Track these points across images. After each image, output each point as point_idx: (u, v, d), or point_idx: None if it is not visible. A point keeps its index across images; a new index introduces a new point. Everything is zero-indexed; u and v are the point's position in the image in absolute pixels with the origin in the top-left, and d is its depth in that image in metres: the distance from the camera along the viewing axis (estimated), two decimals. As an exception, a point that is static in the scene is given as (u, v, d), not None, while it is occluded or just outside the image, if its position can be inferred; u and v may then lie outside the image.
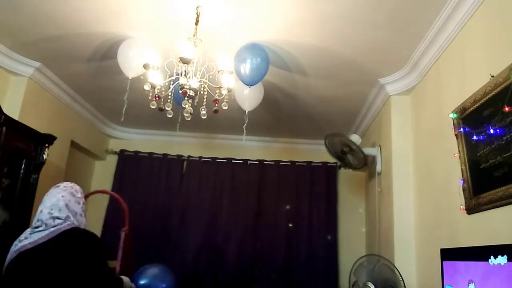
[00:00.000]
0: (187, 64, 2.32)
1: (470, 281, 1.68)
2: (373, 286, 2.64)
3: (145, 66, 2.39)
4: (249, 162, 4.85)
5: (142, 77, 2.72)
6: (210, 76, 2.53)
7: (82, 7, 2.54)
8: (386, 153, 3.42)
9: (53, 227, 1.83)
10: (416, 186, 3.03)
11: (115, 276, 2.22)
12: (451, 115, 2.29)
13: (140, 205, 4.65)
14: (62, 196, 1.96)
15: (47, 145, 3.23)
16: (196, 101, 2.47)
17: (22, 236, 1.85)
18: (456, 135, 2.26)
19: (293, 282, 4.42)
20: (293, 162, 4.84)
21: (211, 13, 2.50)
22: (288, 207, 4.68)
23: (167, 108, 2.48)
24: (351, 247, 4.45)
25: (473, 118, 2.09)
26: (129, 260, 2.86)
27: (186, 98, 2.37)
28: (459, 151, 2.22)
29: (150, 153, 4.87)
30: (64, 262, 1.75)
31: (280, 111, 4.04)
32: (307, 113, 4.06)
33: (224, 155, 4.87)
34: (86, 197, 2.79)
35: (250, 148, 4.87)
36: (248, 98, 3.00)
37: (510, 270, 1.44)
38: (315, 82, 3.37)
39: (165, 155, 4.88)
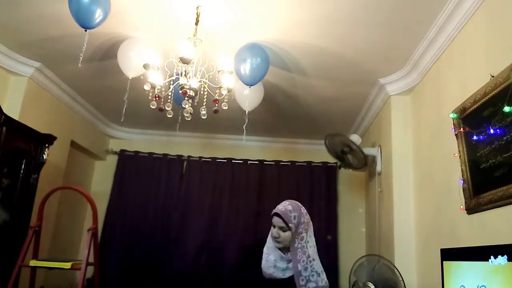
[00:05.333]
0: (187, 64, 2.32)
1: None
2: (373, 286, 2.64)
3: (145, 66, 2.39)
4: (249, 162, 4.85)
5: (142, 77, 2.72)
6: (210, 76, 2.53)
7: (82, 7, 2.54)
8: (386, 153, 3.42)
9: None
10: (416, 186, 3.03)
11: None
12: (451, 115, 2.29)
13: (140, 205, 4.66)
14: None
15: (47, 145, 3.23)
16: (196, 101, 2.47)
17: None
18: (456, 135, 2.26)
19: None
20: (293, 162, 4.84)
21: (211, 13, 2.50)
22: (288, 207, 4.67)
23: (167, 108, 2.48)
24: (351, 247, 4.44)
25: (473, 118, 2.09)
26: (97, 260, 2.80)
27: (186, 98, 2.37)
28: (459, 151, 2.22)
29: (150, 153, 4.87)
30: None
31: (280, 111, 4.03)
32: (307, 113, 4.06)
33: (224, 155, 4.86)
34: (51, 193, 2.75)
35: (250, 148, 4.87)
36: (248, 98, 3.00)
37: (510, 270, 1.43)
38: (315, 82, 3.37)
39: (165, 155, 4.88)
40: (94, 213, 2.75)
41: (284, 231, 1.91)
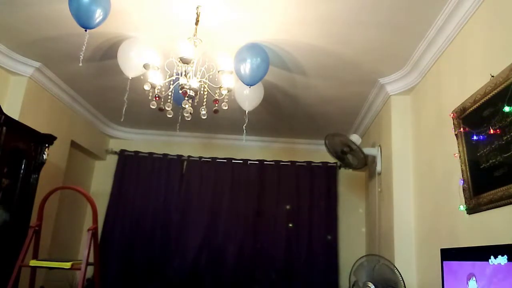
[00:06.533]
0: (187, 64, 2.32)
1: (470, 276, 1.68)
2: (373, 286, 2.64)
3: (145, 66, 2.39)
4: (249, 162, 4.85)
5: (142, 77, 2.72)
6: (210, 76, 2.53)
7: (82, 7, 2.53)
8: (386, 153, 3.42)
9: None
10: (416, 186, 3.03)
11: None
12: (451, 115, 2.29)
13: (140, 205, 4.66)
14: None
15: (47, 145, 3.23)
16: (196, 101, 2.47)
17: None
18: (456, 135, 2.26)
19: (293, 282, 4.42)
20: (293, 162, 4.84)
21: (211, 13, 2.50)
22: (288, 207, 4.68)
23: (167, 108, 2.47)
24: (351, 247, 4.45)
25: (473, 118, 2.09)
26: (97, 260, 2.80)
27: (186, 98, 2.36)
28: (459, 151, 2.22)
29: (150, 153, 4.88)
30: None
31: (280, 111, 4.04)
32: (307, 113, 4.06)
33: (224, 155, 4.87)
34: (51, 193, 2.75)
35: (250, 148, 4.87)
36: (248, 98, 3.00)
37: (510, 270, 1.44)
38: (315, 82, 3.37)
39: (165, 155, 4.88)
40: (94, 213, 2.75)
41: None
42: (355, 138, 3.58)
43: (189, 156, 4.89)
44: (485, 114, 1.97)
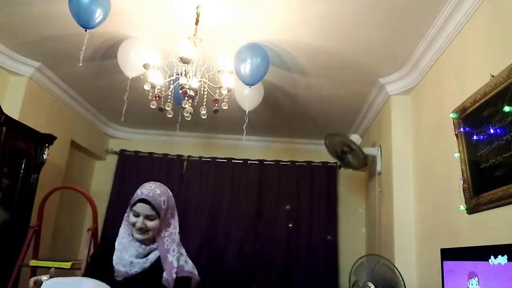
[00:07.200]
0: (187, 64, 2.32)
1: (470, 275, 1.68)
2: (373, 286, 2.64)
3: (145, 66, 2.39)
4: (249, 162, 4.85)
5: (142, 77, 2.72)
6: (210, 76, 2.53)
7: (82, 7, 2.53)
8: (386, 153, 3.42)
9: None
10: (416, 186, 3.03)
11: None
12: (451, 115, 2.29)
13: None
14: None
15: (47, 145, 3.23)
16: (196, 101, 2.47)
17: None
18: (456, 135, 2.26)
19: (293, 282, 4.42)
20: (293, 162, 4.84)
21: (211, 13, 2.50)
22: (288, 207, 4.68)
23: (167, 108, 2.48)
24: (351, 247, 4.44)
25: (473, 118, 2.09)
26: None
27: (186, 98, 2.37)
28: (459, 151, 2.22)
29: (150, 153, 4.88)
30: None
31: (280, 111, 4.04)
32: (307, 113, 4.06)
33: (224, 155, 4.87)
34: (51, 193, 2.76)
35: (250, 148, 4.87)
36: (248, 98, 3.00)
37: (510, 270, 1.44)
38: (315, 82, 3.37)
39: (165, 155, 4.88)
40: (94, 213, 2.76)
41: (151, 219, 1.56)
42: (355, 138, 3.58)
43: (189, 156, 4.89)
44: (485, 114, 1.97)
